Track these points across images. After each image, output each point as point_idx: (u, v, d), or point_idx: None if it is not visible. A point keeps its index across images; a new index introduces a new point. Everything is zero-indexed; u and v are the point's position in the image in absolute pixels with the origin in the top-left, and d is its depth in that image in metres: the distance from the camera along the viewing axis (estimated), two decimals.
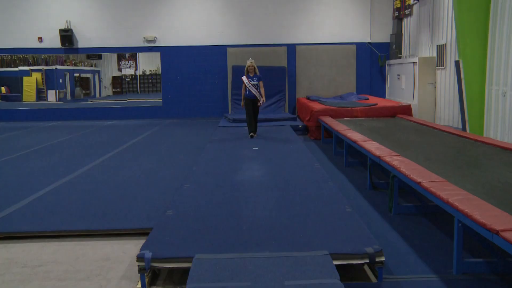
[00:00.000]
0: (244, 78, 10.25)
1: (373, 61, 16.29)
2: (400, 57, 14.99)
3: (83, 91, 26.62)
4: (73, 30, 16.24)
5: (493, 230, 3.33)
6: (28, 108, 18.00)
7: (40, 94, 24.00)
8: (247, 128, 10.64)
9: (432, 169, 5.35)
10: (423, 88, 12.51)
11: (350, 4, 16.12)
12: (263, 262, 3.58)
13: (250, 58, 10.47)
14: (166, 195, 6.14)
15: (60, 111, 17.54)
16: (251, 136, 10.27)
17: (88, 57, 27.82)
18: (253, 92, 10.13)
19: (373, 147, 6.69)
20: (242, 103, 10.50)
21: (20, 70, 24.59)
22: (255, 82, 10.15)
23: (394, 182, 5.49)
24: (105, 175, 7.57)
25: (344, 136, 8.19)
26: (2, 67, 25.55)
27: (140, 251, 3.82)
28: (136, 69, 30.17)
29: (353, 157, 8.63)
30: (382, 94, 16.04)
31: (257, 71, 10.28)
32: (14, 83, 24.41)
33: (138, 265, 3.71)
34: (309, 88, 16.17)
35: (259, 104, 10.37)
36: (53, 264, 4.27)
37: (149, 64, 30.03)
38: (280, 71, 15.47)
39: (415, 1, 13.68)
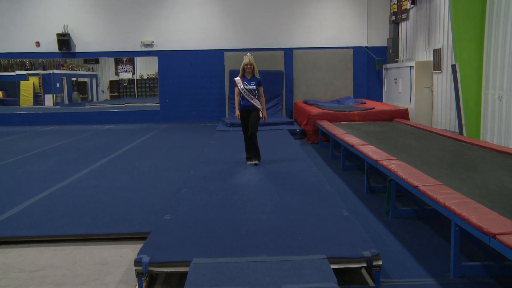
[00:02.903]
0: (237, 79, 7.56)
1: (370, 65, 16.33)
2: (397, 61, 15.04)
3: (81, 96, 26.59)
4: (71, 35, 16.24)
5: (490, 234, 3.34)
6: (25, 113, 17.98)
7: (37, 99, 23.97)
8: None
9: (429, 172, 5.37)
10: (420, 92, 12.55)
11: (347, 9, 16.17)
12: (260, 266, 3.59)
13: (248, 54, 7.72)
14: (164, 199, 6.13)
15: (57, 115, 17.51)
16: (254, 164, 7.62)
17: (86, 61, 27.80)
18: (249, 100, 7.50)
19: (370, 151, 6.70)
20: (237, 113, 7.64)
21: (17, 74, 24.56)
22: (252, 87, 7.47)
23: (391, 186, 5.50)
24: (102, 179, 7.57)
25: (342, 140, 8.21)
26: None
27: (137, 255, 3.81)
28: (133, 74, 30.18)
29: (350, 161, 8.64)
30: (379, 98, 16.09)
31: (256, 72, 7.59)
32: (11, 88, 24.37)
33: (135, 270, 3.71)
34: (306, 92, 16.20)
35: (261, 115, 7.63)
36: (50, 269, 4.26)
37: (146, 68, 30.03)
38: (277, 75, 15.49)
39: (412, 6, 13.73)
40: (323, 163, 9.02)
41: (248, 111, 7.62)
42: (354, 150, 7.32)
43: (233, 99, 13.31)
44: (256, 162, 7.65)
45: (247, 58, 7.53)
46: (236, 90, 7.63)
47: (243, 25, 16.19)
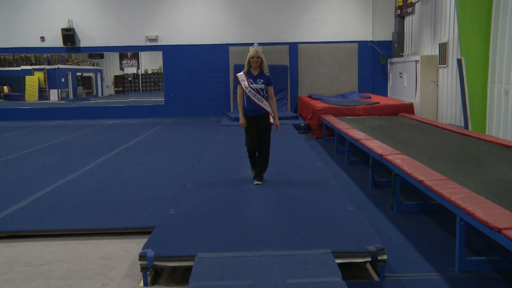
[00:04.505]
0: (240, 75, 5.98)
1: (375, 60, 16.26)
2: (402, 56, 14.96)
3: (85, 90, 26.58)
4: (75, 29, 16.27)
5: (496, 228, 3.33)
6: (31, 107, 18.05)
7: (42, 93, 23.96)
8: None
9: (434, 167, 5.35)
10: (425, 86, 12.49)
11: (352, 3, 16.09)
12: (265, 261, 3.59)
13: (255, 44, 6.01)
14: (168, 194, 6.14)
15: (62, 110, 17.60)
16: (257, 184, 6.01)
17: (90, 56, 27.76)
18: (256, 102, 5.89)
19: (375, 145, 6.69)
20: (241, 120, 6.04)
21: (22, 69, 24.59)
22: (260, 86, 5.88)
23: (396, 180, 5.49)
24: (107, 174, 7.58)
25: (346, 135, 8.19)
26: (4, 67, 25.52)
27: (142, 249, 3.83)
28: (138, 68, 30.15)
29: (355, 156, 8.62)
30: (384, 93, 16.03)
31: (265, 67, 5.97)
32: (17, 83, 24.37)
33: (140, 264, 3.72)
34: (311, 86, 16.16)
35: (271, 121, 6.02)
36: (56, 263, 4.28)
37: (151, 63, 29.92)
38: (282, 70, 15.47)
39: None
40: (327, 158, 9.00)
41: (255, 117, 5.98)
42: (359, 144, 7.30)
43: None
44: (260, 182, 6.07)
45: (254, 49, 5.89)
46: (239, 90, 5.99)
47: (247, 20, 16.14)
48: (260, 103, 5.91)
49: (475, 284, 3.73)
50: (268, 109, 5.96)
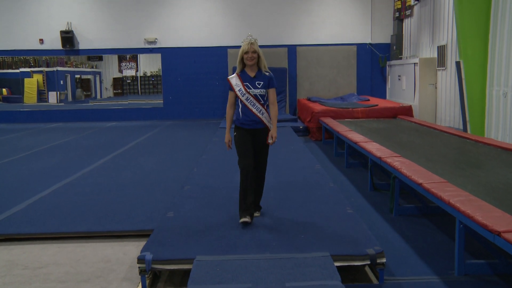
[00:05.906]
0: (233, 78, 4.66)
1: (373, 62, 16.28)
2: (400, 58, 14.98)
3: (84, 93, 26.66)
4: (74, 32, 16.25)
5: (495, 231, 3.32)
6: (29, 110, 18.01)
7: (41, 96, 24.03)
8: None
9: (433, 170, 5.35)
10: (424, 89, 12.50)
11: (351, 5, 16.11)
12: (264, 264, 3.58)
13: (249, 34, 4.97)
14: (167, 196, 6.13)
15: (61, 112, 17.55)
16: (244, 222, 4.45)
17: (89, 58, 27.85)
18: (255, 113, 4.54)
19: (374, 148, 6.68)
20: (226, 138, 4.70)
21: (21, 71, 24.62)
22: (259, 91, 4.56)
23: (395, 183, 5.48)
24: (105, 176, 7.57)
25: (345, 137, 8.18)
26: (3, 69, 25.60)
27: (140, 252, 3.81)
28: (137, 71, 30.19)
29: (354, 158, 8.61)
30: (382, 95, 16.04)
31: (263, 64, 4.65)
32: (15, 85, 24.45)
33: (138, 267, 3.71)
34: (309, 89, 16.17)
35: (270, 141, 4.60)
36: (54, 266, 4.26)
37: (150, 65, 30.03)
38: (281, 72, 15.46)
39: (416, 2, 13.67)
40: (326, 160, 9.00)
41: (252, 132, 4.60)
42: (358, 147, 7.30)
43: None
44: (250, 219, 4.50)
45: (247, 42, 4.63)
46: (230, 99, 4.64)
47: (246, 22, 16.15)
48: (259, 115, 4.54)
49: (475, 287, 3.72)
50: (269, 125, 4.60)
